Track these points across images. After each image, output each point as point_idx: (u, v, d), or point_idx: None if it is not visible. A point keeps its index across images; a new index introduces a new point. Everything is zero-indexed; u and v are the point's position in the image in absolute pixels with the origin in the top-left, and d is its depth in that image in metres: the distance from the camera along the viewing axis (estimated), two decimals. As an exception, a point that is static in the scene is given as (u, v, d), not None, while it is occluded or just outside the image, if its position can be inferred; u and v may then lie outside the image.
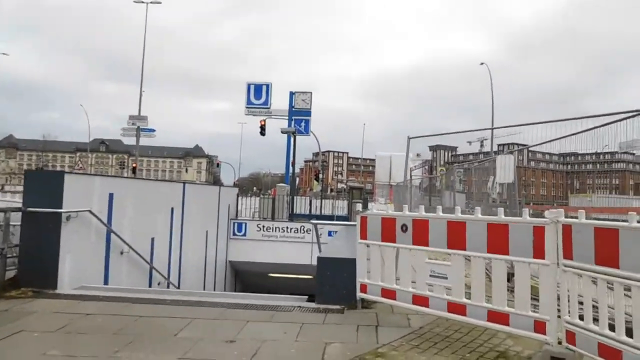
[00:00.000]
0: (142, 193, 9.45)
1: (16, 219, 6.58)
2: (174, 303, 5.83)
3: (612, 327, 3.41)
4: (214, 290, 14.12)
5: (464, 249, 4.46)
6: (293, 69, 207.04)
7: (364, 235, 5.47)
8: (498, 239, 4.18)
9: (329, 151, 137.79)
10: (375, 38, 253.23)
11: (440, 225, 4.67)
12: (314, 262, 13.78)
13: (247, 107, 28.77)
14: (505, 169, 7.10)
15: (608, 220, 5.71)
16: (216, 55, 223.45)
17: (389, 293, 5.22)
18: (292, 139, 25.60)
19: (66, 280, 6.63)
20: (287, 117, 28.57)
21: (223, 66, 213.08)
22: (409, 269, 5.02)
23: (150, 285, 9.57)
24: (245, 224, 16.65)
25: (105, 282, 7.83)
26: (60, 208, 6.46)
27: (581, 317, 3.66)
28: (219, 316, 5.28)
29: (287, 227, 16.68)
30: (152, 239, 9.72)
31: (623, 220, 3.35)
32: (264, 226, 16.77)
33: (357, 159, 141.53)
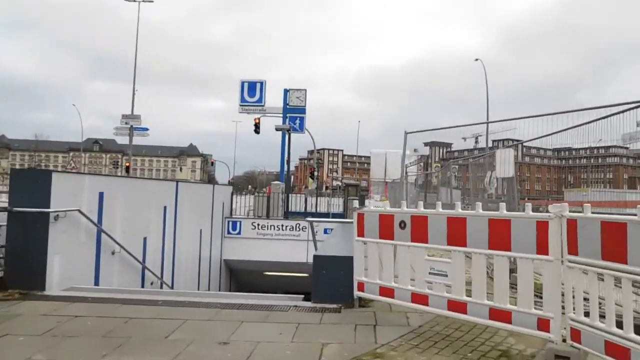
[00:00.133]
0: (133, 192, 9.26)
1: (2, 219, 6.40)
2: (166, 304, 5.66)
3: (619, 325, 3.29)
4: (209, 289, 13.97)
5: (465, 246, 4.33)
6: (288, 66, 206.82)
7: (361, 233, 5.33)
8: (500, 235, 4.05)
9: (323, 149, 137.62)
10: (370, 34, 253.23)
11: (440, 222, 4.53)
12: (310, 260, 13.64)
13: (241, 105, 28.58)
14: (505, 163, 6.97)
15: (607, 214, 5.59)
16: (211, 53, 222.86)
17: (387, 291, 5.09)
18: (287, 137, 25.39)
19: (55, 282, 6.45)
20: (281, 115, 28.40)
21: (218, 64, 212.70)
22: (408, 266, 4.88)
23: (143, 286, 9.39)
24: (240, 222, 16.50)
25: (96, 282, 7.65)
26: (48, 207, 6.27)
27: (586, 314, 3.54)
28: (212, 317, 5.12)
29: (282, 225, 16.55)
30: (145, 239, 9.54)
31: (630, 214, 3.22)
32: (258, 224, 16.63)
33: (352, 156, 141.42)
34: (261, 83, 28.43)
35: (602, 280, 3.41)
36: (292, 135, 25.64)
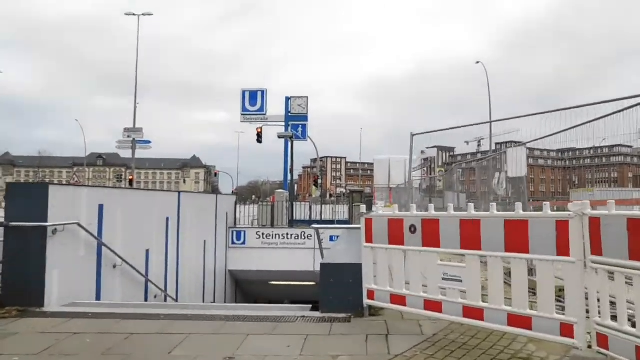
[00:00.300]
0: (134, 203, 9.09)
1: (0, 234, 6.23)
2: (168, 318, 5.46)
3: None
4: (214, 301, 13.75)
5: (479, 249, 4.11)
6: (288, 75, 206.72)
7: (369, 239, 5.12)
8: (517, 237, 3.83)
9: (326, 157, 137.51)
10: (370, 41, 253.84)
11: (453, 225, 4.32)
12: (316, 269, 13.39)
13: (242, 114, 28.45)
14: (516, 163, 6.76)
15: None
16: (211, 64, 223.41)
17: (398, 299, 4.87)
18: (289, 144, 25.25)
19: (54, 297, 6.25)
20: (283, 123, 28.27)
21: (219, 75, 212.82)
22: (419, 272, 4.67)
23: (146, 299, 9.19)
24: (244, 232, 16.29)
25: (98, 297, 7.46)
26: (46, 221, 6.09)
27: (613, 318, 3.32)
28: (217, 330, 4.91)
29: (287, 234, 16.33)
30: (147, 251, 9.35)
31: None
32: (263, 233, 16.42)
33: (355, 163, 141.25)
34: (262, 92, 28.32)
35: (630, 281, 3.19)
36: (295, 143, 25.49)
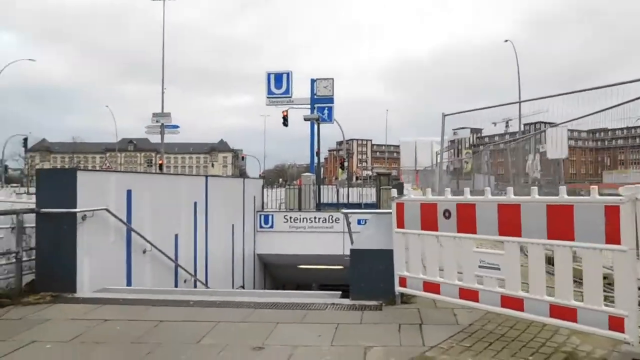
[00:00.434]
0: (162, 188, 9.10)
1: (32, 220, 6.28)
2: (197, 304, 5.42)
3: None
4: (243, 284, 13.82)
5: (519, 236, 3.89)
6: (310, 60, 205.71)
7: (400, 224, 4.94)
8: (561, 223, 3.60)
9: (352, 139, 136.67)
10: (394, 23, 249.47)
11: (490, 210, 4.10)
12: (344, 252, 13.32)
13: (268, 97, 28.25)
14: (557, 143, 6.43)
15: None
16: (236, 48, 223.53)
17: (432, 287, 4.70)
18: (315, 127, 25.03)
19: (86, 283, 6.30)
20: (309, 106, 28.01)
21: (243, 59, 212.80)
22: (454, 259, 4.48)
23: (176, 284, 9.25)
24: (272, 215, 16.28)
25: (129, 282, 7.51)
26: (75, 207, 6.10)
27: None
28: (246, 318, 4.83)
29: (315, 217, 16.24)
30: (176, 236, 9.38)
31: None
32: (291, 217, 16.37)
33: (381, 145, 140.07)
34: (287, 74, 28.03)
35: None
36: (321, 126, 25.27)
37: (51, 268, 6.09)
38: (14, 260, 5.93)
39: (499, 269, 4.10)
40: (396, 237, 5.01)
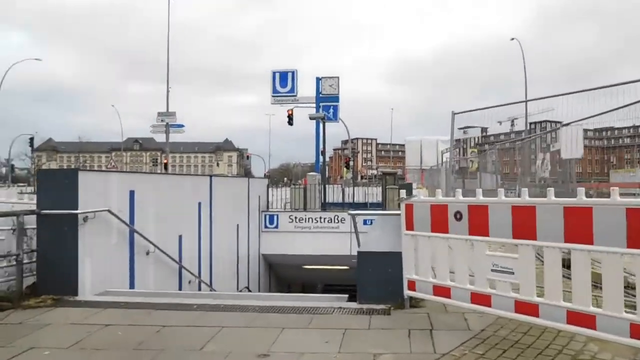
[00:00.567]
0: (165, 189, 8.97)
1: (33, 222, 6.17)
2: (201, 308, 5.29)
3: None
4: (248, 285, 13.69)
5: (534, 239, 3.74)
6: (314, 59, 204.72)
7: (410, 226, 4.80)
8: (578, 226, 3.45)
9: (357, 138, 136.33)
10: (396, 22, 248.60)
11: (503, 211, 3.95)
12: (350, 253, 13.14)
13: (273, 96, 28.14)
14: (572, 143, 6.25)
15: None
16: (237, 48, 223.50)
17: (442, 290, 4.55)
18: (321, 126, 24.87)
19: (88, 286, 6.18)
20: (314, 105, 27.86)
21: (245, 59, 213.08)
22: (465, 263, 4.33)
23: (180, 285, 9.12)
24: (277, 215, 16.13)
25: (132, 284, 7.39)
26: (76, 209, 5.98)
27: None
28: (250, 323, 4.70)
29: (321, 217, 16.07)
30: (180, 237, 9.25)
31: None
32: (296, 217, 16.21)
33: (386, 144, 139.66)
34: (292, 72, 27.90)
35: None
36: (325, 125, 25.11)
37: (52, 271, 5.98)
38: (14, 262, 5.82)
39: (512, 273, 3.95)
40: (405, 239, 4.86)
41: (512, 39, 39.39)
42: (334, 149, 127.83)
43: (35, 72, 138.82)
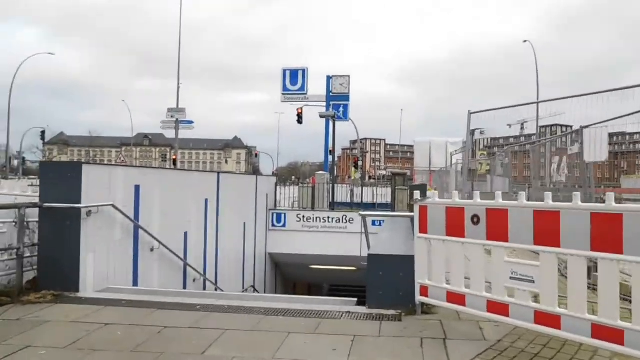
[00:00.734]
0: (172, 184, 8.81)
1: (35, 215, 6.02)
2: (204, 309, 5.11)
3: None
4: (254, 284, 13.54)
5: (558, 246, 3.51)
6: (325, 58, 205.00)
7: (424, 229, 4.58)
8: (607, 234, 3.22)
9: (365, 138, 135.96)
10: (408, 22, 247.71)
11: (524, 216, 3.72)
12: (357, 254, 12.94)
13: (283, 94, 27.99)
14: (596, 145, 5.99)
15: None
16: (250, 46, 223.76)
17: (456, 297, 4.33)
18: (330, 125, 24.66)
19: (89, 282, 6.03)
20: (324, 103, 27.67)
21: (257, 57, 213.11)
22: (482, 269, 4.11)
23: (184, 283, 8.97)
24: (285, 214, 15.97)
25: (135, 281, 7.24)
26: (79, 203, 5.83)
27: None
28: (255, 326, 4.51)
29: (329, 217, 15.89)
30: (185, 233, 9.10)
31: None
32: (304, 216, 16.05)
33: (395, 145, 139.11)
34: (303, 70, 27.73)
35: None
36: (336, 124, 24.89)
37: (53, 266, 5.82)
38: (15, 256, 5.67)
39: (533, 282, 3.72)
40: (418, 242, 4.65)
41: (525, 41, 38.89)
42: (342, 149, 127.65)
43: (49, 66, 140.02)
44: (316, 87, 28.46)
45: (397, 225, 7.37)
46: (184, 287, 8.89)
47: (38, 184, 6.24)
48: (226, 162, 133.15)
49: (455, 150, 22.24)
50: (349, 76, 27.60)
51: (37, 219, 5.96)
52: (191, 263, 9.13)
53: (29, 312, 4.97)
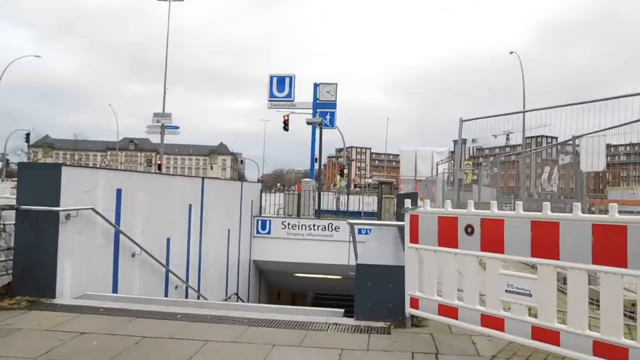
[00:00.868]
0: (155, 189, 8.57)
1: (11, 217, 5.77)
2: (185, 318, 4.89)
3: None
4: (238, 291, 13.28)
5: (557, 258, 3.39)
6: (313, 67, 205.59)
7: (414, 238, 4.44)
8: (610, 246, 3.10)
9: (351, 147, 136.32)
10: (397, 31, 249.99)
11: (521, 227, 3.60)
12: (344, 262, 12.76)
13: (270, 100, 27.76)
14: (594, 154, 5.91)
15: None
16: (239, 52, 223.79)
17: (448, 310, 4.19)
18: (317, 132, 24.51)
19: (67, 288, 5.77)
20: (311, 111, 27.53)
21: (245, 64, 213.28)
22: (476, 281, 3.97)
23: (166, 290, 8.71)
24: (270, 221, 15.77)
25: (115, 288, 6.98)
26: (58, 206, 5.58)
27: None
28: (237, 337, 4.31)
29: (314, 225, 15.72)
30: (168, 239, 8.85)
31: None
32: (289, 224, 15.86)
33: (380, 154, 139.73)
34: (290, 77, 27.56)
35: None
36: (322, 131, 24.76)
37: (29, 270, 5.56)
38: (-12, 260, 5.42)
39: (530, 295, 3.59)
40: (409, 252, 4.50)
41: (511, 52, 39.27)
42: (328, 157, 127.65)
43: (35, 69, 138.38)
44: (304, 94, 28.34)
45: (385, 234, 7.23)
46: (166, 294, 8.63)
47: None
48: (211, 168, 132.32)
49: (442, 160, 22.25)
50: (336, 84, 27.51)
51: (14, 222, 5.72)
52: (173, 269, 8.88)
53: (1, 319, 4.70)
